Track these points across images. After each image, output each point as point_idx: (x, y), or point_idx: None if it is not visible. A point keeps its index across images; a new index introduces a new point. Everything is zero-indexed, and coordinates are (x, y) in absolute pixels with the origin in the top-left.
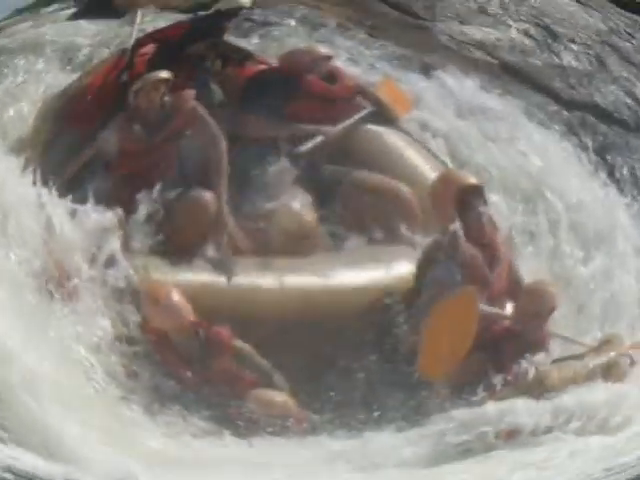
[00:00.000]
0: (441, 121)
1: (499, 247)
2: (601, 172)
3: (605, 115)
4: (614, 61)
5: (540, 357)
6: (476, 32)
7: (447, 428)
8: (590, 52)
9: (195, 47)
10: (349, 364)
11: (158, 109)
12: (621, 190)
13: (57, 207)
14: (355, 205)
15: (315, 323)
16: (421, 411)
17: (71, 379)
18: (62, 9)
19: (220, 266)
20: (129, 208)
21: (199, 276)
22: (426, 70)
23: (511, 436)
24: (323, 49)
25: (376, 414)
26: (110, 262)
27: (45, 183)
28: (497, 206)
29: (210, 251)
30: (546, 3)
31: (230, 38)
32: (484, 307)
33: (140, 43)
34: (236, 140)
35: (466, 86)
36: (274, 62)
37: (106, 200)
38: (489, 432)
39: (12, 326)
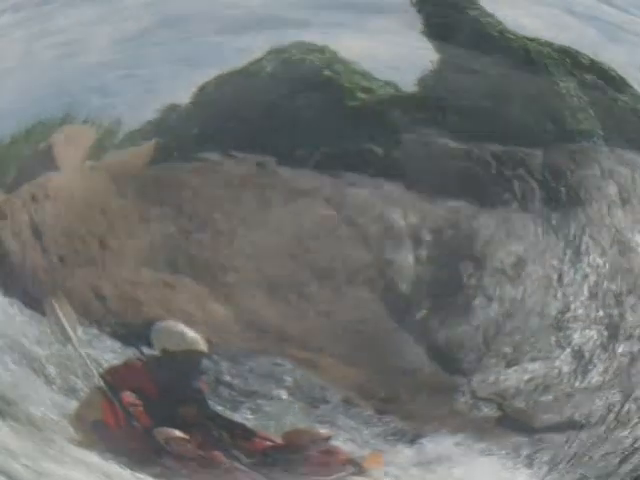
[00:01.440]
0: None
1: None
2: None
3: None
4: None
5: None
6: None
7: None
8: None
9: (183, 410)
10: None
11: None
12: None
13: None
14: None
15: None
16: None
17: None
18: None
19: None
20: None
21: None
22: (415, 437)
23: None
24: (323, 430)
25: None
26: None
27: None
28: None
29: None
30: None
31: (218, 408)
32: None
33: (112, 388)
34: None
35: (441, 442)
36: (278, 439)
37: None
38: None
39: None
